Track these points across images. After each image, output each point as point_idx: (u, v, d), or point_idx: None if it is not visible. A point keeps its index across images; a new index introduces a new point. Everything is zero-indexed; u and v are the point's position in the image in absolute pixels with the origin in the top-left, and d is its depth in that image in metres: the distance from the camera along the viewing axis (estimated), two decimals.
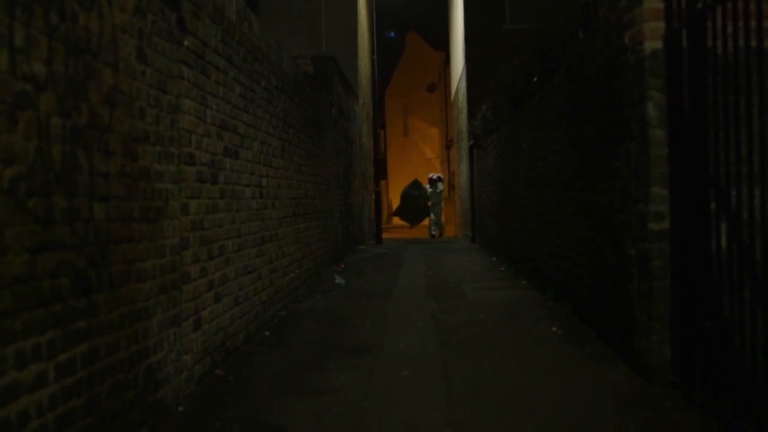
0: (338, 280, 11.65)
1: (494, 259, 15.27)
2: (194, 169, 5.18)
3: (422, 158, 45.94)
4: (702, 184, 4.51)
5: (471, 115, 21.29)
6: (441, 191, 25.81)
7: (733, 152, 4.06)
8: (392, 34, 48.32)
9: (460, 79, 26.60)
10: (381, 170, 35.53)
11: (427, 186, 26.45)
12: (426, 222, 27.69)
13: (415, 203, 27.33)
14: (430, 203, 25.91)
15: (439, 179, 26.01)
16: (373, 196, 23.58)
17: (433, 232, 24.72)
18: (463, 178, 25.47)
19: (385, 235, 23.46)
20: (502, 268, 13.37)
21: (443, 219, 26.93)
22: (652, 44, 5.10)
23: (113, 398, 3.72)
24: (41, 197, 3.03)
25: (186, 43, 5.02)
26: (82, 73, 3.43)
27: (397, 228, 36.80)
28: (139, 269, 4.13)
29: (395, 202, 46.23)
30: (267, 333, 7.18)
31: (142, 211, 4.18)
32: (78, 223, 3.36)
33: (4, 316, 2.74)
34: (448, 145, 37.96)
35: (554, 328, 7.26)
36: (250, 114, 6.91)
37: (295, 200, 9.37)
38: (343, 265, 13.71)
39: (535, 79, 9.62)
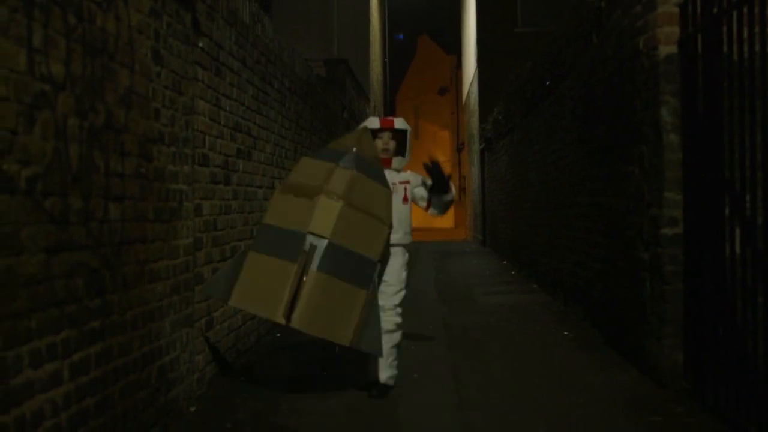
0: None
1: (505, 262, 15.26)
2: (208, 171, 5.19)
3: None
4: (716, 188, 4.50)
5: (482, 118, 21.28)
6: (446, 196, 5.36)
7: (748, 157, 4.04)
8: (401, 36, 48.29)
9: (471, 83, 26.60)
10: None
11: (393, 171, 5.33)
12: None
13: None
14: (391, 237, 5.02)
15: (437, 172, 5.27)
16: None
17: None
18: (474, 181, 25.43)
19: None
20: (513, 272, 13.36)
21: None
22: (667, 49, 5.09)
23: (126, 398, 3.73)
24: (58, 197, 3.04)
25: (201, 44, 5.04)
26: (99, 74, 3.44)
27: None
28: (153, 270, 4.14)
29: None
30: (278, 334, 7.18)
31: (156, 211, 4.19)
32: (93, 223, 3.38)
33: (20, 315, 2.75)
34: (459, 148, 37.92)
35: (565, 332, 7.25)
36: (263, 116, 6.92)
37: None
38: None
39: (547, 82, 9.61)
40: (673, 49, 5.07)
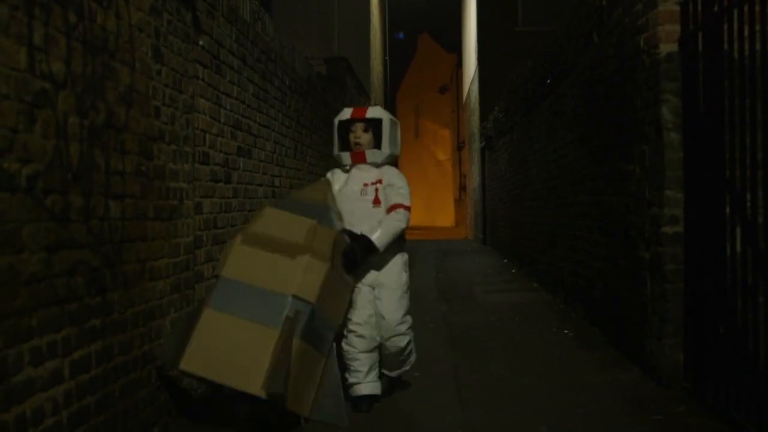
0: None
1: (505, 261, 15.26)
2: (208, 169, 5.19)
3: (433, 160, 45.91)
4: (717, 187, 4.49)
5: (483, 117, 21.28)
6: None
7: (748, 156, 4.04)
8: (401, 35, 48.25)
9: (472, 81, 26.59)
10: None
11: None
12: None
13: None
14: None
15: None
16: None
17: None
18: (474, 180, 25.43)
19: None
20: (513, 270, 13.36)
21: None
22: (667, 47, 5.08)
23: (126, 396, 3.73)
24: (58, 195, 3.04)
25: (201, 42, 5.03)
26: (100, 72, 3.44)
27: (408, 229, 36.74)
28: (153, 268, 4.14)
29: None
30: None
31: (157, 209, 4.19)
32: (94, 221, 3.37)
33: (21, 313, 2.75)
34: (459, 146, 37.91)
35: (565, 331, 7.25)
36: (263, 114, 6.92)
37: None
38: None
39: (548, 81, 9.60)
40: (673, 47, 5.07)
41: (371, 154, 4.84)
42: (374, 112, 4.92)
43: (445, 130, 44.24)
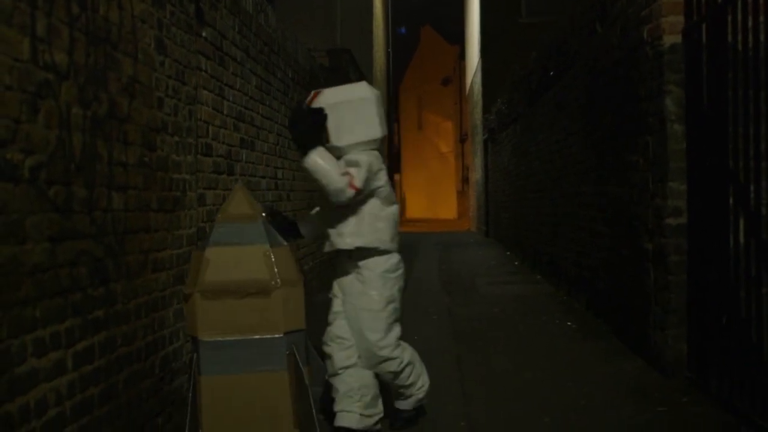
0: None
1: (508, 253, 15.25)
2: (211, 160, 5.19)
3: (436, 152, 45.85)
4: (720, 178, 4.49)
5: (486, 108, 21.23)
6: None
7: (752, 147, 4.03)
8: (403, 30, 48.13)
9: (475, 73, 26.53)
10: (395, 164, 35.39)
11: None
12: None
13: None
14: None
15: None
16: None
17: None
18: (477, 171, 25.41)
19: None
20: (516, 263, 13.35)
21: None
22: (671, 38, 5.07)
23: (130, 387, 3.74)
24: (61, 186, 3.04)
25: (204, 34, 5.03)
26: (103, 63, 3.44)
27: (411, 221, 36.82)
28: (156, 259, 4.15)
29: (408, 196, 46.21)
30: None
31: (160, 201, 4.19)
32: (97, 212, 3.37)
33: (24, 304, 2.76)
34: (462, 138, 37.87)
35: (569, 323, 7.25)
36: (266, 106, 6.92)
37: (309, 193, 9.37)
38: None
39: (551, 72, 9.58)
40: (677, 38, 5.05)
41: (326, 151, 3.99)
42: (319, 99, 4.10)
43: (448, 122, 44.18)
